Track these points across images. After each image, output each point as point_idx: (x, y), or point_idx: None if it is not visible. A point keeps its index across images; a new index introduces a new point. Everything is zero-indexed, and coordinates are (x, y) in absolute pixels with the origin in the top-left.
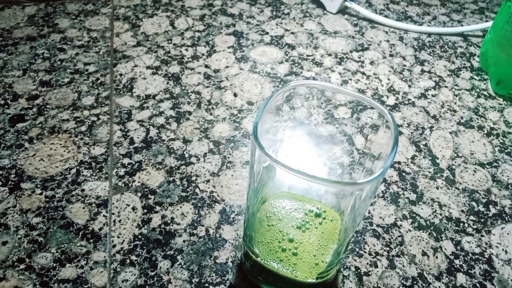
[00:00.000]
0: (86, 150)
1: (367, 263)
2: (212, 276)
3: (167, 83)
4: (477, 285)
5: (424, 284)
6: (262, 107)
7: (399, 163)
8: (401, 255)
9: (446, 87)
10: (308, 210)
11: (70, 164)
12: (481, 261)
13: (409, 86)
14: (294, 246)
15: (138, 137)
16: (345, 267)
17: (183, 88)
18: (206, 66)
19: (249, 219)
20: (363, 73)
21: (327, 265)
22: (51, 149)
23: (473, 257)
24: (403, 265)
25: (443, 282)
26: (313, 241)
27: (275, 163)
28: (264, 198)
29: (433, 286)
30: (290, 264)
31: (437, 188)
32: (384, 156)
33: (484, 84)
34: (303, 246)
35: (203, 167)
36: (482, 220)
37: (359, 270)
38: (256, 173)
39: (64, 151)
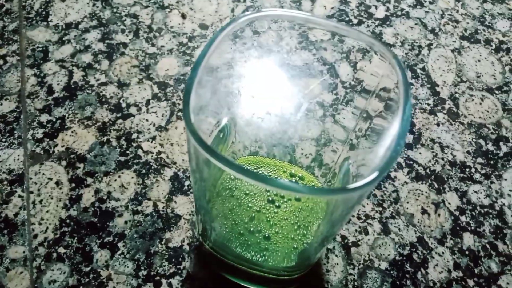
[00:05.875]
0: None
1: (356, 230)
2: (164, 266)
3: (93, 4)
4: (487, 246)
5: (424, 251)
6: (195, 67)
7: (389, 92)
8: (396, 216)
9: None
10: (281, 176)
11: None
12: (491, 215)
13: None
14: (264, 227)
15: (58, 84)
16: None
17: (115, 10)
18: None
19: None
20: None
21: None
22: None
23: (482, 211)
24: (399, 229)
25: (447, 246)
26: (290, 219)
27: (218, 162)
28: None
29: (436, 252)
30: (261, 250)
31: (438, 124)
32: (386, 92)
33: None
34: (276, 227)
35: (146, 120)
36: (492, 162)
37: (346, 240)
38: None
39: None
